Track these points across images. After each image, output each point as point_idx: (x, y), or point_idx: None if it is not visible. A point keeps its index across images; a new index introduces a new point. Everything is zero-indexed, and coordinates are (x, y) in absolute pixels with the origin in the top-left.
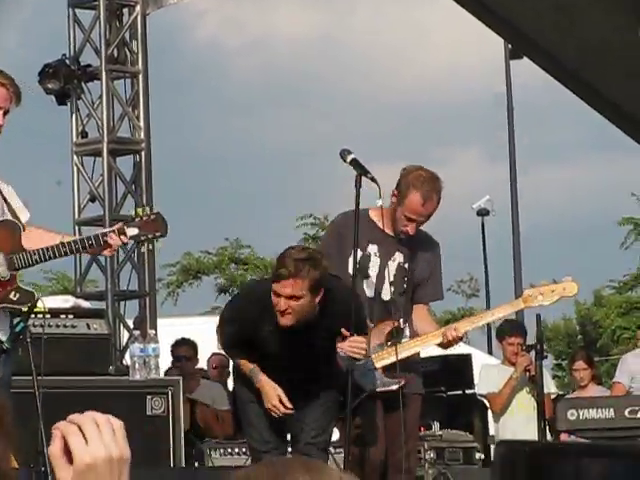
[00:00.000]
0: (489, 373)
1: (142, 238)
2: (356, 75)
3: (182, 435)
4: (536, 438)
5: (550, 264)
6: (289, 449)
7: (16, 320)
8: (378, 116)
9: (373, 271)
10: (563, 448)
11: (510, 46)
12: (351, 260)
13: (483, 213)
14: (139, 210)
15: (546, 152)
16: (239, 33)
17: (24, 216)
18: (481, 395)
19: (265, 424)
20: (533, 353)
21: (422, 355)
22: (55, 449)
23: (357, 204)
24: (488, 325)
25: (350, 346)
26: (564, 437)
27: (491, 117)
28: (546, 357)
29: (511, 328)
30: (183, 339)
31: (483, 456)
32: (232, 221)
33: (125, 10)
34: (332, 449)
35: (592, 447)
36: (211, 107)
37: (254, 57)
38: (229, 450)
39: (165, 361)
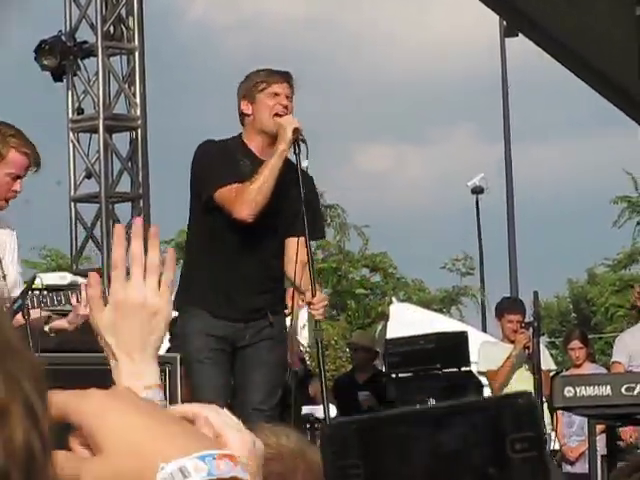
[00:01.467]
0: (488, 351)
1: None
2: (349, 54)
3: None
4: None
5: (544, 242)
6: None
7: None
8: (371, 95)
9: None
10: (390, 418)
11: (505, 23)
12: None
13: (477, 191)
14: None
15: (540, 130)
16: (230, 11)
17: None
18: (480, 372)
19: (210, 386)
20: (531, 330)
21: (418, 333)
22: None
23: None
24: (482, 302)
25: (320, 307)
26: (560, 414)
27: (486, 95)
28: (543, 334)
29: (510, 305)
30: None
31: None
32: None
33: None
34: None
35: (419, 413)
36: (204, 84)
37: (244, 35)
38: None
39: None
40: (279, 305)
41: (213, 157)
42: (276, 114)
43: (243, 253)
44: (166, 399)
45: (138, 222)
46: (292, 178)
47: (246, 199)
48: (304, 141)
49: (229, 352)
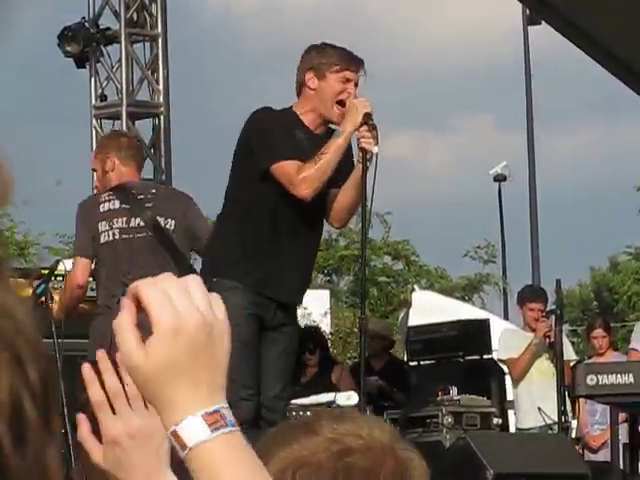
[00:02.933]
0: (509, 339)
1: None
2: (371, 40)
3: None
4: (555, 404)
5: (566, 230)
6: None
7: (37, 282)
8: (393, 82)
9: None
10: None
11: (528, 12)
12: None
13: (500, 179)
14: None
15: (563, 117)
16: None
17: None
18: (501, 360)
19: (248, 368)
20: (553, 318)
21: (440, 320)
22: (124, 319)
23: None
24: (504, 290)
25: (367, 137)
26: (582, 403)
27: (507, 83)
28: (565, 322)
29: (532, 293)
30: None
31: (501, 421)
32: None
33: None
34: None
35: None
36: (227, 70)
37: (267, 22)
38: None
39: None
40: (300, 297)
41: (272, 127)
42: (340, 101)
43: (290, 232)
44: None
45: (101, 356)
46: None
47: (309, 178)
48: (374, 126)
49: (260, 333)
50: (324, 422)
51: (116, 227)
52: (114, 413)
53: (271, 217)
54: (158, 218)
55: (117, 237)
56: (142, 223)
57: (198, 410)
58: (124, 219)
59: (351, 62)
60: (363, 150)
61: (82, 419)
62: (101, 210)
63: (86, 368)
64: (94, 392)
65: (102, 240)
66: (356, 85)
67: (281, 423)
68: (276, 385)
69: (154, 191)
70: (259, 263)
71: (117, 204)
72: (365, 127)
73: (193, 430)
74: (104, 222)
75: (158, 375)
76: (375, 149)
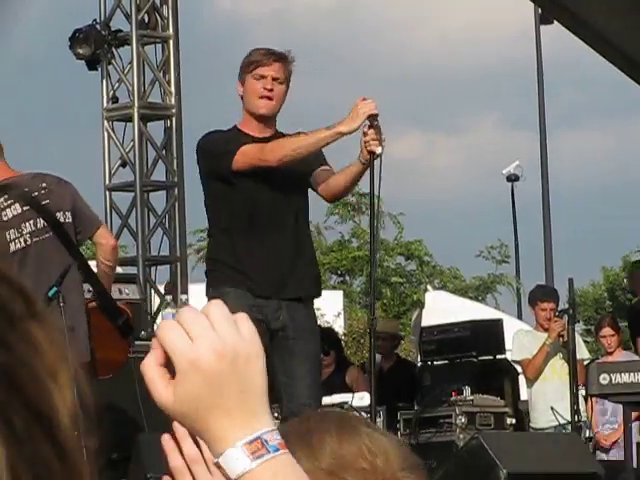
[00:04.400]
0: (522, 339)
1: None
2: (376, 40)
3: None
4: (569, 403)
5: (579, 229)
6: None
7: (49, 285)
8: (404, 83)
9: None
10: None
11: (540, 11)
12: None
13: (513, 179)
14: None
15: (574, 117)
16: (259, 2)
17: None
18: (515, 361)
19: None
20: (566, 318)
21: (453, 321)
22: (149, 360)
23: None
24: (518, 290)
25: (373, 139)
26: (594, 402)
27: (518, 82)
28: (578, 322)
29: (544, 293)
30: None
31: (514, 421)
32: None
33: None
34: (364, 414)
35: None
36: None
37: (273, 27)
38: None
39: None
40: (313, 290)
41: (219, 139)
42: (261, 97)
43: (269, 228)
44: None
45: (177, 425)
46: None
47: (279, 146)
48: (378, 127)
49: (265, 333)
50: (328, 439)
51: (26, 232)
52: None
53: (251, 221)
54: (57, 214)
55: (29, 242)
56: (45, 223)
57: (237, 440)
58: (31, 222)
59: (262, 59)
60: (371, 153)
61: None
62: (4, 218)
63: (165, 437)
64: (173, 459)
65: (13, 248)
66: (277, 80)
67: (284, 433)
68: (302, 392)
69: (44, 185)
70: (252, 267)
71: (19, 208)
72: (371, 130)
73: (234, 461)
74: (13, 230)
75: (187, 412)
76: (379, 150)
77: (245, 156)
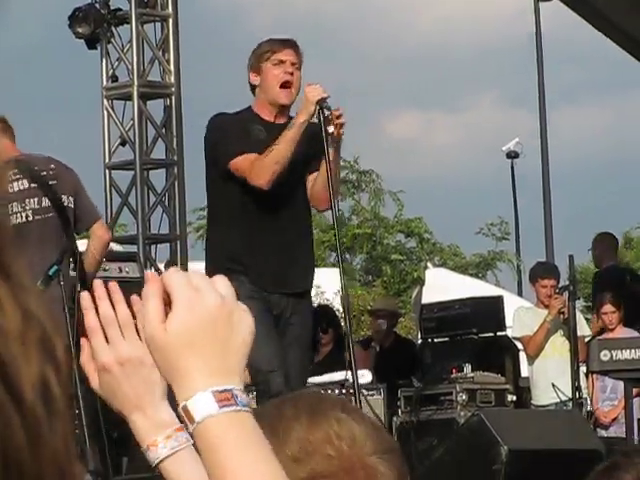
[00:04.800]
0: (523, 316)
1: None
2: (377, 20)
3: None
4: (570, 380)
5: (579, 206)
6: None
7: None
8: (402, 63)
9: None
10: None
11: None
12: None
13: (512, 156)
14: None
15: (572, 93)
16: None
17: None
18: (516, 338)
19: (267, 343)
20: (566, 294)
21: (453, 298)
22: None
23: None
24: (518, 267)
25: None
26: (595, 378)
27: (517, 59)
28: (579, 298)
29: (544, 270)
30: None
31: (515, 398)
32: None
33: None
34: (365, 391)
35: None
36: (237, 53)
37: (272, 9)
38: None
39: None
40: (310, 284)
41: (226, 128)
42: (282, 84)
43: (270, 221)
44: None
45: (98, 284)
46: (313, 141)
47: (261, 169)
48: (329, 108)
49: (274, 316)
50: (295, 425)
51: (29, 208)
52: (107, 341)
53: (246, 211)
54: (62, 197)
55: (31, 218)
56: (49, 203)
57: (209, 387)
58: (36, 200)
59: (279, 45)
60: (325, 132)
61: (84, 344)
62: (11, 190)
63: (84, 295)
64: (89, 318)
65: (14, 222)
66: (295, 65)
67: (264, 410)
68: (299, 384)
69: (53, 166)
70: (253, 260)
71: (26, 183)
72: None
73: (201, 405)
74: (16, 203)
75: (173, 347)
76: (330, 129)
77: (237, 170)
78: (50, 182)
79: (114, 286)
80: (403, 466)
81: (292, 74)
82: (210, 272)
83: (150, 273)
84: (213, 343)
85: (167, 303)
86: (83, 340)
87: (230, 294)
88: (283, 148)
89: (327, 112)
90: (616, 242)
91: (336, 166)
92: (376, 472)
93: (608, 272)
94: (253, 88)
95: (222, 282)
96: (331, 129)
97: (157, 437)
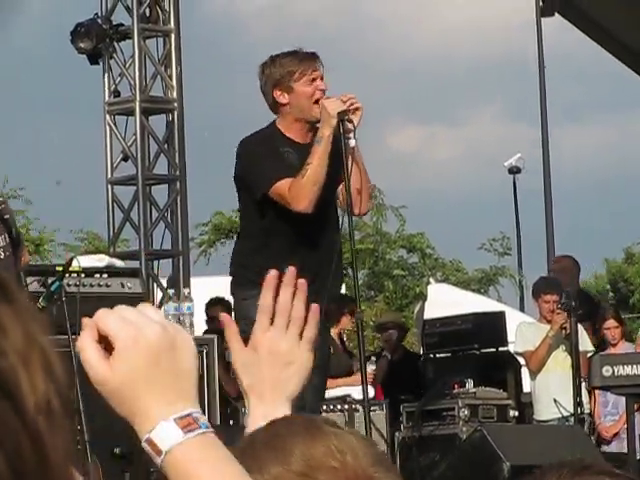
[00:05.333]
0: (526, 331)
1: None
2: (377, 34)
3: (217, 394)
4: (572, 395)
5: (581, 222)
6: None
7: (51, 279)
8: (404, 76)
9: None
10: None
11: (541, 3)
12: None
13: (514, 171)
14: None
15: (574, 109)
16: None
17: None
18: (518, 353)
19: None
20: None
21: (455, 313)
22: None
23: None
24: (520, 282)
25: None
26: (597, 394)
27: (518, 75)
28: (580, 314)
29: (547, 286)
30: (217, 298)
31: (517, 413)
32: None
33: None
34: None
35: None
36: (237, 67)
37: (270, 21)
38: None
39: (199, 320)
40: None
41: (259, 155)
42: (316, 101)
43: (305, 243)
44: (204, 380)
45: (291, 272)
46: (337, 156)
47: (301, 192)
48: (350, 121)
49: None
50: (296, 449)
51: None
52: (272, 324)
53: (280, 234)
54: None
55: (1, 256)
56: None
57: (170, 415)
58: (3, 236)
59: (306, 62)
60: (345, 145)
61: (228, 320)
62: None
63: (270, 277)
64: (266, 296)
65: None
66: (322, 78)
67: (251, 437)
68: (314, 400)
69: (1, 199)
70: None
71: None
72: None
73: (166, 434)
74: None
75: (125, 386)
76: (352, 142)
77: (278, 196)
78: (5, 216)
79: (303, 282)
80: (400, 478)
81: (324, 90)
82: (233, 283)
83: (84, 320)
84: (164, 373)
85: (107, 345)
86: (226, 316)
87: (164, 320)
88: (317, 165)
89: (346, 122)
90: (576, 266)
91: (363, 170)
92: None
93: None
94: (277, 106)
95: (151, 310)
96: (352, 143)
97: (262, 424)
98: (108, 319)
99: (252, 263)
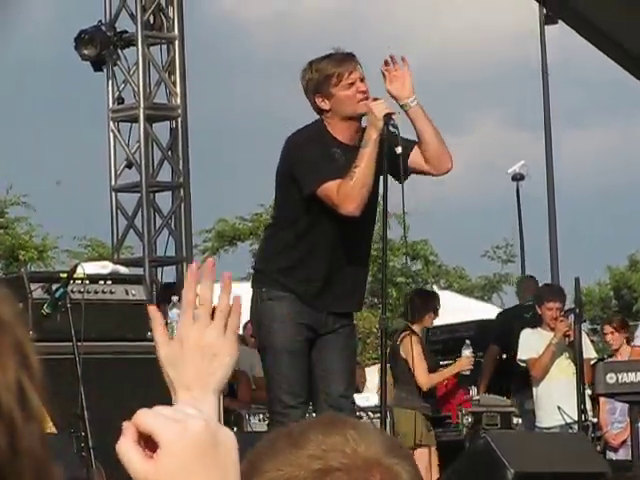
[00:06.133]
0: (529, 338)
1: None
2: (383, 39)
3: (221, 400)
4: (575, 403)
5: (585, 229)
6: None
7: (56, 286)
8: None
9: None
10: None
11: (545, 11)
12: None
13: (518, 178)
14: None
15: (578, 116)
16: (261, 4)
17: None
18: (521, 361)
19: (297, 377)
20: (572, 317)
21: (458, 320)
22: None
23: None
24: None
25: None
26: (603, 401)
27: (520, 82)
28: (585, 321)
29: (550, 293)
30: None
31: (521, 421)
32: (267, 187)
33: None
34: (371, 414)
35: None
36: (242, 70)
37: (275, 29)
38: (268, 416)
39: None
40: (359, 307)
41: (310, 152)
42: (359, 101)
43: (339, 244)
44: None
45: (210, 264)
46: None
47: (350, 194)
48: (395, 126)
49: (312, 340)
50: (312, 435)
51: None
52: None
53: (319, 232)
54: None
55: None
56: None
57: None
58: None
59: (344, 64)
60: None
61: (153, 310)
62: None
63: (193, 267)
64: (188, 291)
65: None
66: (363, 80)
67: (273, 432)
68: (340, 385)
69: None
70: (307, 275)
71: None
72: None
73: None
74: None
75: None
76: (398, 150)
77: (326, 197)
78: None
79: (228, 277)
80: (418, 471)
81: (364, 91)
82: (257, 280)
83: (124, 424)
84: (208, 468)
85: (148, 444)
86: (153, 310)
87: (203, 415)
88: (365, 167)
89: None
90: (535, 284)
91: (431, 127)
92: (390, 472)
93: (508, 311)
94: (320, 112)
95: (189, 408)
96: (399, 150)
97: None
98: (148, 418)
99: (279, 258)
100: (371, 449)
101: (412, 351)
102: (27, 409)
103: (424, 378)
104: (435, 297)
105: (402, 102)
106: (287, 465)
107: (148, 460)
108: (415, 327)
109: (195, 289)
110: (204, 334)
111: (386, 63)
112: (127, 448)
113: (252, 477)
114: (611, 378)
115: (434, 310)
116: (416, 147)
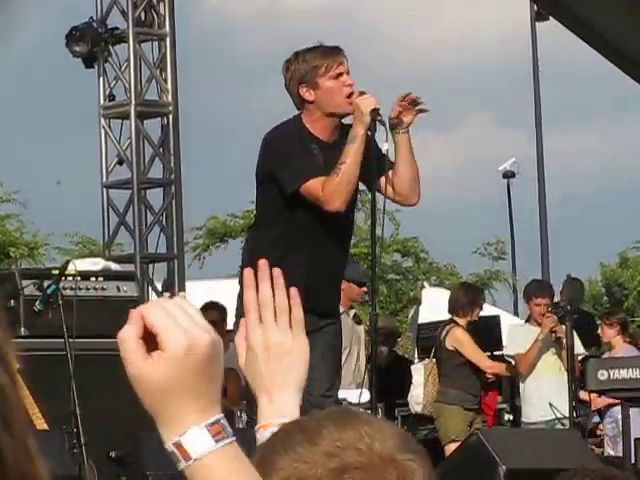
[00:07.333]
0: (516, 334)
1: None
2: (372, 40)
3: None
4: (563, 398)
5: (576, 226)
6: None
7: (47, 283)
8: (393, 82)
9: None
10: None
11: (536, 8)
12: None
13: (509, 175)
14: None
15: (569, 113)
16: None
17: None
18: (508, 356)
19: (324, 368)
20: (561, 313)
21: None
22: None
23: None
24: (514, 286)
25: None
26: (594, 397)
27: (511, 79)
28: (575, 317)
29: (538, 288)
30: (212, 302)
31: (512, 417)
32: None
33: None
34: (362, 410)
35: None
36: (231, 70)
37: (262, 27)
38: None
39: None
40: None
41: (290, 148)
42: (347, 96)
43: (321, 243)
44: None
45: (262, 265)
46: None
47: (336, 191)
48: (382, 122)
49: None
50: (325, 430)
51: None
52: (260, 321)
53: (301, 228)
54: None
55: None
56: None
57: (201, 421)
58: None
59: (331, 56)
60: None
61: (241, 324)
62: None
63: (248, 272)
64: (248, 296)
65: None
66: (349, 73)
67: (285, 425)
68: (324, 384)
69: None
70: (291, 271)
71: None
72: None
73: (198, 441)
74: None
75: (163, 387)
76: (385, 146)
77: (309, 194)
78: None
79: (278, 272)
80: (432, 468)
81: (351, 85)
82: (241, 280)
83: (131, 311)
84: (201, 380)
85: (148, 338)
86: (240, 321)
87: (205, 323)
88: (351, 164)
89: (380, 125)
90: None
91: (414, 160)
92: (406, 469)
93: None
94: (301, 103)
95: (193, 309)
96: (386, 146)
97: (271, 421)
98: (157, 316)
99: (268, 260)
100: (386, 445)
101: (463, 339)
102: (6, 408)
103: (486, 361)
104: (480, 291)
105: (398, 128)
106: (302, 462)
107: (146, 358)
108: (460, 320)
109: (254, 292)
110: (270, 336)
111: (404, 99)
112: (129, 341)
113: (266, 474)
114: (602, 375)
115: (480, 305)
116: (390, 171)
